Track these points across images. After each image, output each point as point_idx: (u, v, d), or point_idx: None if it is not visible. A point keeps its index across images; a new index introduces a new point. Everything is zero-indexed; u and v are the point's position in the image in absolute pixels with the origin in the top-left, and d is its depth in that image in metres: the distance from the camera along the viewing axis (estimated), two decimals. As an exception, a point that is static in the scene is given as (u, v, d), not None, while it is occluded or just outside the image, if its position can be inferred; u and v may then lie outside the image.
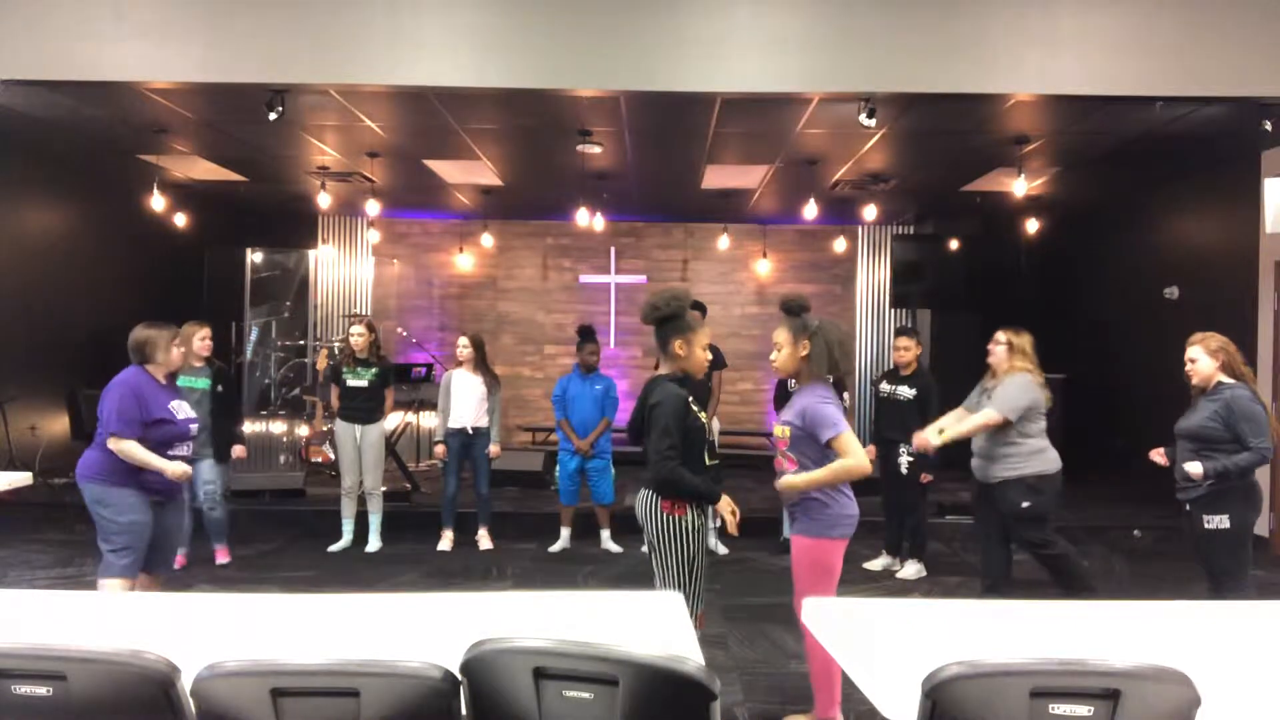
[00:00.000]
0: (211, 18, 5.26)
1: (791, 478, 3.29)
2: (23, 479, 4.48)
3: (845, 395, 5.55)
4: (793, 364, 3.38)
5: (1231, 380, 4.06)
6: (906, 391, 5.74)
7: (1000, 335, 4.82)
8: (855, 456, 3.19)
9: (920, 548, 5.96)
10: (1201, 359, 4.13)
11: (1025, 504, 4.56)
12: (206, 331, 5.79)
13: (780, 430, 3.39)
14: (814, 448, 3.27)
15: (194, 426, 4.31)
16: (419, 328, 11.00)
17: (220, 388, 5.88)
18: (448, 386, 6.39)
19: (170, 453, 4.14)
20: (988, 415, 4.60)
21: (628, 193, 9.09)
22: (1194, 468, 3.95)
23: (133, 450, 4.05)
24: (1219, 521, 3.99)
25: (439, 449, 6.44)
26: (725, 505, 3.32)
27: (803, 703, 3.76)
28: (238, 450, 6.02)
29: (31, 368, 7.65)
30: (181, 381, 5.40)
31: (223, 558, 6.10)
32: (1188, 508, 4.10)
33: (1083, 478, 7.99)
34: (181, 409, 4.25)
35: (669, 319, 3.37)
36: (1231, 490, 3.97)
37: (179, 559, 5.98)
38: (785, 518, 6.13)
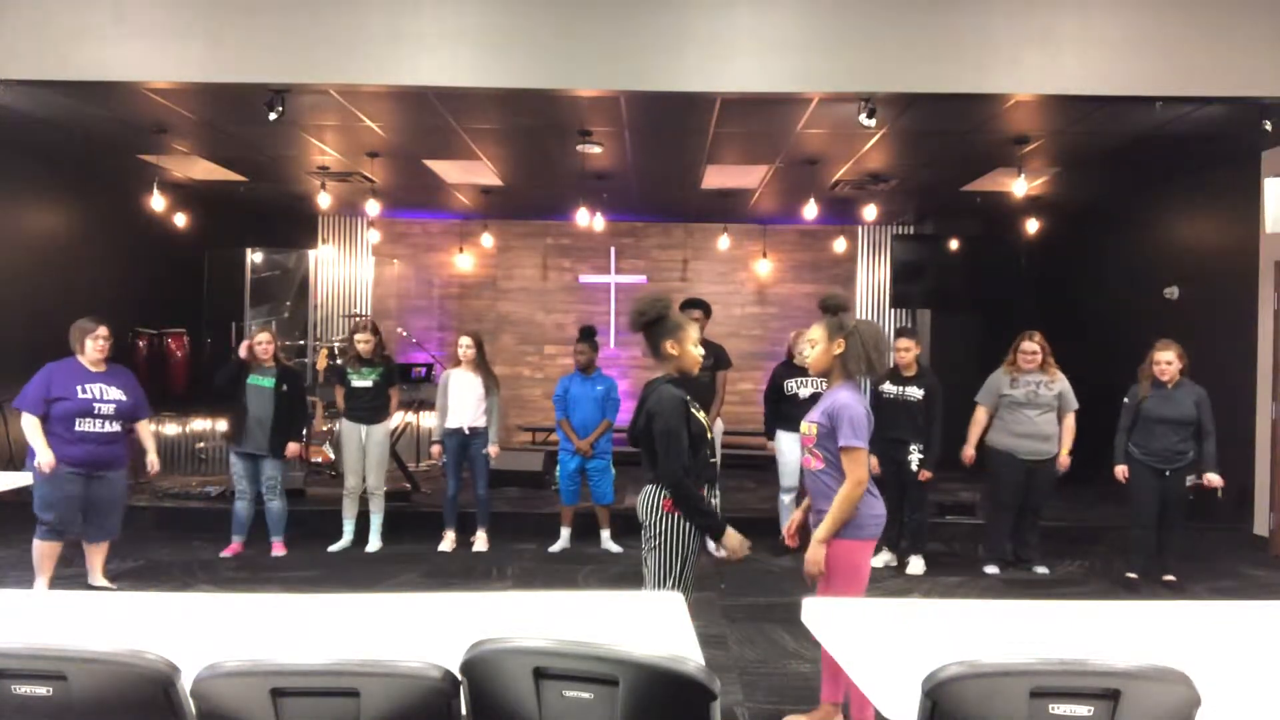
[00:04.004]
0: (211, 18, 5.26)
1: (816, 544, 3.21)
2: (23, 479, 4.49)
3: None
4: (826, 362, 3.35)
5: (1187, 378, 5.48)
6: (915, 392, 5.82)
7: (1033, 344, 5.82)
8: (855, 477, 3.18)
9: (921, 545, 6.02)
10: (1175, 361, 5.43)
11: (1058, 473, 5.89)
12: (265, 336, 6.12)
13: (806, 427, 3.36)
14: (837, 444, 3.24)
15: (103, 406, 5.01)
16: (419, 328, 11.00)
17: (285, 387, 6.11)
18: (445, 386, 6.37)
19: (78, 426, 4.94)
20: (1070, 421, 5.83)
21: (628, 193, 9.09)
22: (1215, 479, 5.41)
23: (26, 426, 4.93)
24: (1192, 479, 5.50)
25: (435, 449, 6.43)
26: (735, 543, 3.26)
27: (803, 702, 3.77)
28: (291, 448, 6.18)
29: (31, 368, 7.63)
30: (251, 380, 6.05)
31: (279, 550, 6.26)
32: (1167, 473, 5.47)
33: (1082, 478, 8.00)
34: (99, 391, 5.02)
35: (655, 322, 3.40)
36: (1195, 459, 5.48)
37: (236, 547, 6.26)
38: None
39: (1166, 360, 5.42)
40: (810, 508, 3.45)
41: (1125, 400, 5.63)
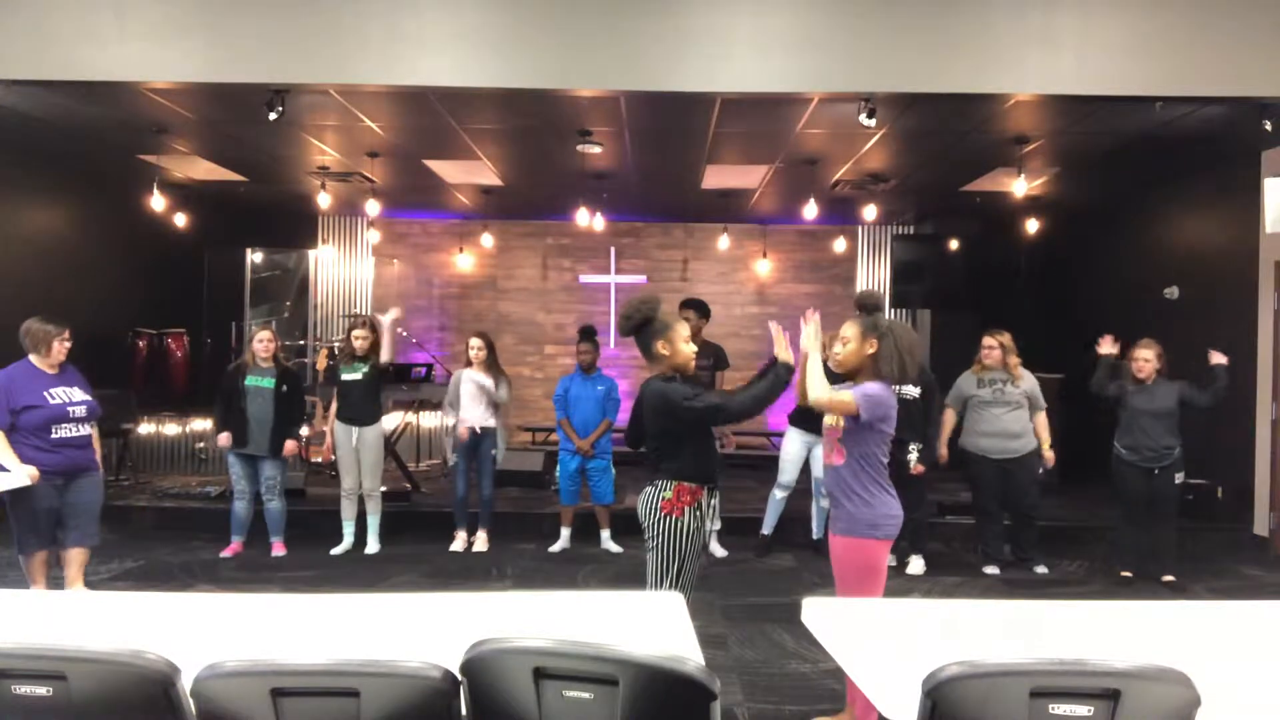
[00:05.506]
0: (211, 18, 5.26)
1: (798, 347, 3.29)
2: (22, 479, 4.48)
3: None
4: (855, 360, 3.31)
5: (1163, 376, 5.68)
6: (912, 390, 5.81)
7: (992, 340, 5.91)
8: (842, 401, 3.18)
9: (921, 545, 6.03)
10: (1152, 360, 5.62)
11: (1040, 470, 5.97)
12: (265, 335, 6.15)
13: (831, 420, 3.32)
14: (865, 441, 3.22)
15: (76, 409, 4.68)
16: (419, 328, 11.00)
17: (284, 387, 6.12)
18: (457, 385, 6.39)
19: (56, 433, 4.61)
20: (1042, 418, 5.94)
21: (628, 193, 9.09)
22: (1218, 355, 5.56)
23: None
24: (1181, 478, 5.64)
25: (463, 430, 6.27)
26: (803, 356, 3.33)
27: (803, 702, 3.77)
28: (288, 446, 6.17)
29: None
30: (249, 381, 6.00)
31: (279, 550, 6.25)
32: (1156, 472, 5.59)
33: (1082, 478, 8.00)
34: (65, 394, 4.67)
35: (644, 324, 3.42)
36: (1182, 455, 5.64)
37: (236, 547, 6.23)
38: (815, 517, 6.18)
39: (1144, 358, 5.63)
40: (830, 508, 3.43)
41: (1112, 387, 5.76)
